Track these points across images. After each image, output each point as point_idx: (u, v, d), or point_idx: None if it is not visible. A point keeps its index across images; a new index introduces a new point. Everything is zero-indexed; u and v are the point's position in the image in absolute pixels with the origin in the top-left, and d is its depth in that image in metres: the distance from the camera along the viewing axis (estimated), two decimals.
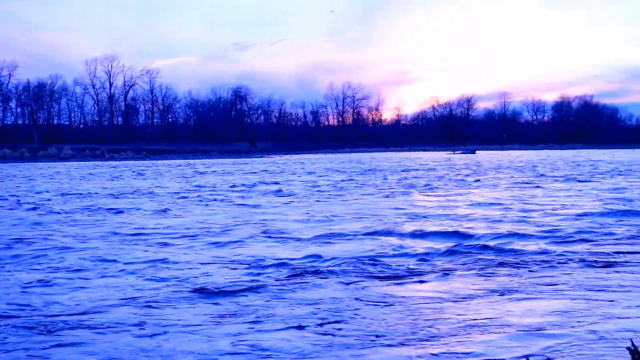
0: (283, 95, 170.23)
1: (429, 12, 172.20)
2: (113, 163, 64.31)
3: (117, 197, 18.96)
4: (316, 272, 7.18)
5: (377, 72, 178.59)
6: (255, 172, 35.72)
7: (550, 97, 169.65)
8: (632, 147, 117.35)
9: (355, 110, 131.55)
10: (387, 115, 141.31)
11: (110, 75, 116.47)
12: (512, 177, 26.99)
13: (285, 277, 7.00)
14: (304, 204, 15.86)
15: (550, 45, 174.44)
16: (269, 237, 10.04)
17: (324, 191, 20.17)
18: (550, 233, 9.85)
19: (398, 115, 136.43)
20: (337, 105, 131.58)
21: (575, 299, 5.83)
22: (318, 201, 16.55)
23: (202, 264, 7.82)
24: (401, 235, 9.79)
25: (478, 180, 24.63)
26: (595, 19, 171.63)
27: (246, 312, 5.63)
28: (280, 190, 20.60)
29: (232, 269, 7.50)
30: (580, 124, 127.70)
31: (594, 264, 7.39)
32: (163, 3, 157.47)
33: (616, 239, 9.17)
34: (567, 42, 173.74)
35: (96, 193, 20.79)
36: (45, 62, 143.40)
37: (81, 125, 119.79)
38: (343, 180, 25.92)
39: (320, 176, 29.76)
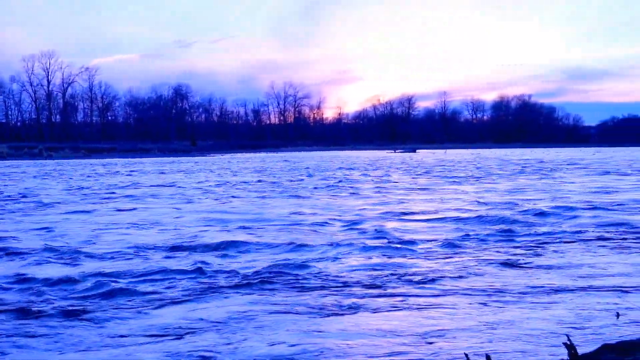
0: (224, 93, 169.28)
1: (370, 11, 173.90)
2: (49, 162, 62.42)
3: None
4: None
5: (319, 71, 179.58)
6: (169, 172, 34.87)
7: (489, 97, 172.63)
8: (569, 145, 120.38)
9: (297, 109, 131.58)
10: (329, 114, 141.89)
11: (48, 72, 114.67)
12: (420, 178, 26.96)
13: None
14: (159, 207, 15.23)
15: (490, 45, 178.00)
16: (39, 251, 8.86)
17: (206, 193, 19.58)
18: (383, 243, 9.45)
19: (340, 114, 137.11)
20: (279, 104, 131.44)
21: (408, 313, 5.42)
22: (170, 206, 15.95)
23: None
24: (195, 249, 9.07)
25: (373, 181, 24.44)
26: (534, 20, 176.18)
27: None
28: (154, 194, 19.94)
29: None
30: (518, 123, 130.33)
31: (414, 283, 6.83)
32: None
33: (443, 253, 8.77)
34: (507, 42, 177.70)
35: None
36: None
37: (18, 123, 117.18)
38: (244, 182, 25.37)
39: (232, 176, 29.18)
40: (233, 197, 18.23)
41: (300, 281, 6.81)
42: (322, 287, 6.54)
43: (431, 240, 9.41)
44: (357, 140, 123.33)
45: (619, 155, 62.14)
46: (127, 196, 18.99)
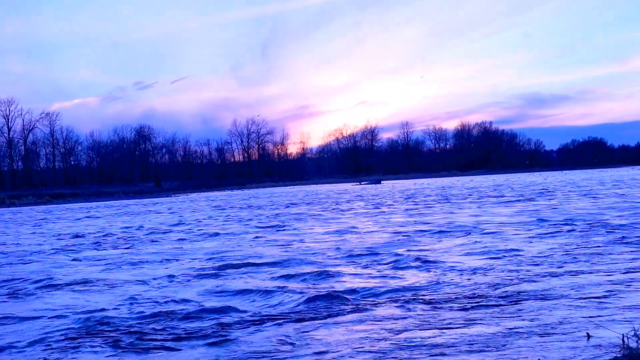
0: (187, 133, 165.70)
1: (327, 46, 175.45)
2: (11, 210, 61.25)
3: None
4: None
5: (281, 107, 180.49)
6: (100, 217, 34.50)
7: (450, 125, 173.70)
8: (530, 170, 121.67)
9: (260, 146, 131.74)
10: (293, 149, 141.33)
11: (8, 119, 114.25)
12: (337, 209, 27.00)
13: None
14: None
15: (449, 73, 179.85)
16: None
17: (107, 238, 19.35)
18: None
19: (303, 148, 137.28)
20: (242, 141, 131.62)
21: None
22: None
23: None
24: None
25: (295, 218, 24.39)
26: (492, 47, 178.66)
27: None
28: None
29: None
30: (480, 150, 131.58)
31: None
32: (59, 44, 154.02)
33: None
34: (466, 69, 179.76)
35: None
36: None
37: None
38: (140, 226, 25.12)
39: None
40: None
41: None
42: None
43: None
44: (322, 173, 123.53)
45: (569, 178, 62.92)
46: None
